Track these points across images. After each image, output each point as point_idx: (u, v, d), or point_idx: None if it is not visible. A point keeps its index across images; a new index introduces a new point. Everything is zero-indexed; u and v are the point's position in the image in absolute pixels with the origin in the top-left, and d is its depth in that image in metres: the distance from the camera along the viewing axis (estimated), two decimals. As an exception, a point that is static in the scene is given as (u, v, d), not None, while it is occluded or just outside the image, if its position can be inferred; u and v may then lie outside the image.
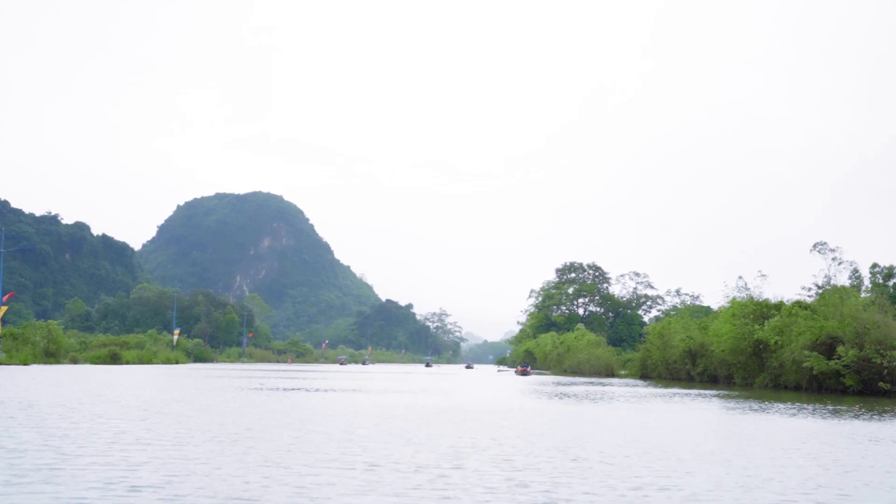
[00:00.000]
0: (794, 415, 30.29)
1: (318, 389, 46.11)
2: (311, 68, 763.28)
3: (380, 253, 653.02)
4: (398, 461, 15.48)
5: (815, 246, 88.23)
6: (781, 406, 35.83)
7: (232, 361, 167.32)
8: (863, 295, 64.43)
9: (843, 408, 34.86)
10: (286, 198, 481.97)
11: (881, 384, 45.56)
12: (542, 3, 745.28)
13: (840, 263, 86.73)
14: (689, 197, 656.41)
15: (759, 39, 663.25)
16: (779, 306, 62.51)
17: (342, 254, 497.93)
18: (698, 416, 30.19)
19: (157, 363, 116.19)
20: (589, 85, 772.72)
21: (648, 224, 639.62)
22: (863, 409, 33.78)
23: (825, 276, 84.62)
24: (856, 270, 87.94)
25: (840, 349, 48.17)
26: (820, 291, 67.72)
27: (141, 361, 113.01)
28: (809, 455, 17.75)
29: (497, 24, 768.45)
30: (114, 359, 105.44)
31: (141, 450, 16.45)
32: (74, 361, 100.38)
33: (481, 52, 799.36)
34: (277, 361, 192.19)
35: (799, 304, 60.76)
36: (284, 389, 44.58)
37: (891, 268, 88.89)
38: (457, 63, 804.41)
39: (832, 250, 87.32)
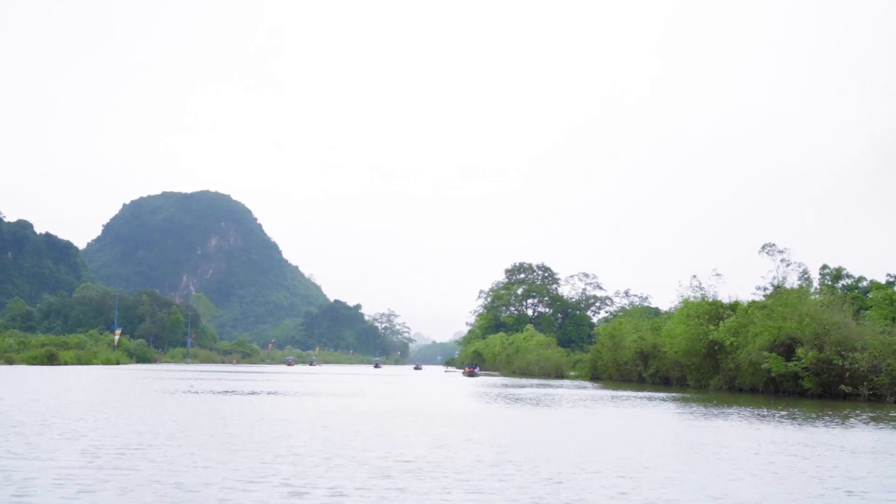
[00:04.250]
0: (760, 420, 28.37)
1: (254, 392, 43.81)
2: (260, 64, 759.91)
3: (329, 253, 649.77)
4: (315, 483, 13.20)
5: (763, 247, 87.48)
6: (742, 410, 34.00)
7: (176, 362, 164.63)
8: (812, 297, 63.10)
9: (807, 413, 33.07)
10: (234, 197, 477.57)
11: (842, 387, 44.00)
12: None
13: (788, 265, 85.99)
14: (639, 200, 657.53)
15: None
16: (734, 307, 61.02)
17: (291, 254, 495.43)
18: (657, 421, 28.20)
19: (97, 364, 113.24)
20: (545, 102, 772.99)
21: (597, 225, 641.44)
22: (828, 414, 31.99)
23: (774, 277, 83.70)
24: (805, 272, 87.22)
25: (799, 350, 46.57)
26: (775, 292, 66.36)
27: (80, 362, 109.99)
28: (796, 468, 15.76)
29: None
30: (51, 359, 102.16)
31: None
32: (10, 362, 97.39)
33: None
34: (223, 362, 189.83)
35: (755, 304, 59.23)
36: (216, 392, 42.21)
37: (839, 269, 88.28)
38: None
39: (780, 251, 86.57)
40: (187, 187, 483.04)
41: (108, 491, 11.92)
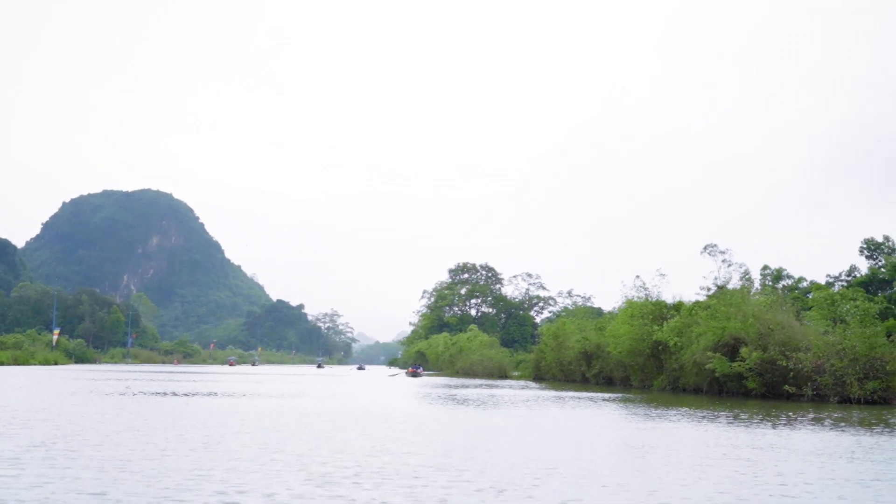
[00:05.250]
0: (707, 421, 28.10)
1: (193, 393, 42.99)
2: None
3: (271, 253, 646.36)
4: (249, 490, 12.55)
5: (705, 248, 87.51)
6: (688, 411, 33.76)
7: (116, 362, 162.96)
8: (753, 297, 63.28)
9: (753, 414, 32.90)
10: (176, 195, 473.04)
11: (786, 387, 43.97)
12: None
13: (730, 265, 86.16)
14: (585, 200, 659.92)
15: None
16: (678, 307, 61.00)
17: (233, 253, 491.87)
18: (603, 423, 27.82)
19: (35, 364, 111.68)
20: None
21: (538, 225, 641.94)
22: (774, 415, 31.83)
23: (716, 277, 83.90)
24: (746, 272, 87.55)
25: (743, 351, 46.54)
26: (718, 292, 66.44)
27: (16, 362, 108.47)
28: (747, 472, 15.37)
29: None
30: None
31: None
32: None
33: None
34: (164, 362, 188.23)
35: (699, 305, 59.20)
36: (153, 393, 41.33)
37: (780, 270, 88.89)
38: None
39: (722, 252, 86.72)
40: (128, 185, 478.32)
41: (28, 501, 11.23)
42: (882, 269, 79.60)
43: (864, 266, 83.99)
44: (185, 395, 41.33)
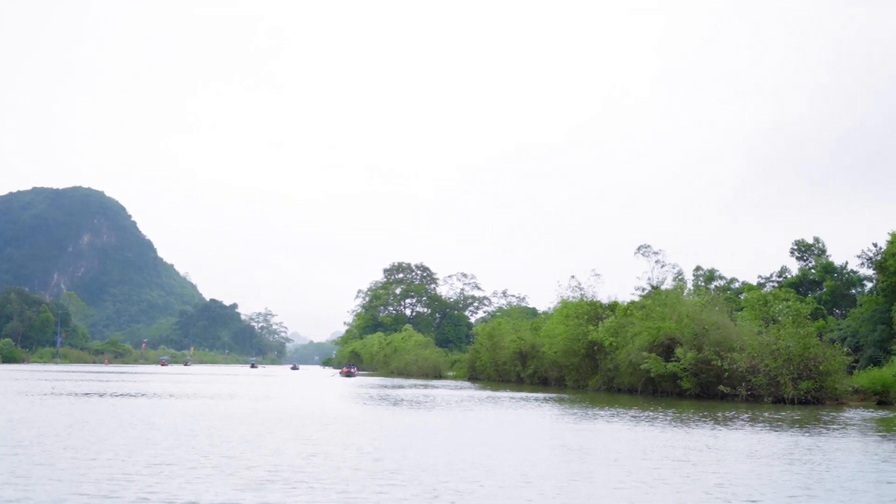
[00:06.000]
0: (644, 422, 27.98)
1: (123, 394, 42.15)
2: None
3: (205, 251, 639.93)
4: (173, 497, 12.02)
5: (639, 248, 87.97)
6: (624, 412, 33.70)
7: (44, 362, 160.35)
8: (686, 297, 63.62)
9: (690, 414, 32.91)
10: (108, 193, 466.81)
11: (721, 387, 44.08)
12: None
13: (663, 266, 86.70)
14: (520, 199, 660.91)
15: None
16: (613, 307, 61.10)
17: (166, 252, 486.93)
18: (539, 425, 27.59)
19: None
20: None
21: (472, 224, 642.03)
22: (710, 416, 31.85)
23: (650, 278, 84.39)
24: (679, 273, 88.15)
25: (678, 351, 46.63)
26: (653, 292, 66.66)
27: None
28: (687, 475, 15.15)
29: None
30: None
31: None
32: None
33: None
34: (94, 362, 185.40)
35: (634, 305, 59.32)
36: (80, 394, 40.48)
37: (712, 271, 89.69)
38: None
39: (655, 253, 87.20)
40: (58, 183, 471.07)
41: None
42: (812, 271, 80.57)
43: (794, 267, 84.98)
44: (114, 396, 40.53)
